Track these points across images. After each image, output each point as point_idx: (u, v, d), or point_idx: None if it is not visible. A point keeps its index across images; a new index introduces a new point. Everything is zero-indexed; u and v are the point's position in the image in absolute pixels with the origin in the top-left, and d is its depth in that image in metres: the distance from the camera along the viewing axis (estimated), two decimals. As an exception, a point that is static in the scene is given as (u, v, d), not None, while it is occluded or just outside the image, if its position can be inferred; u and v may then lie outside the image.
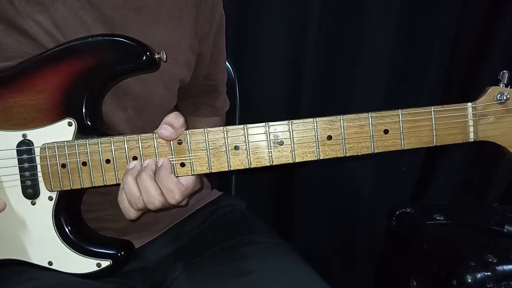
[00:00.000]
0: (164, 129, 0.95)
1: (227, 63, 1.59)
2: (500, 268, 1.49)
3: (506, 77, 0.91)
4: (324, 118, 0.93)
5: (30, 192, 1.04)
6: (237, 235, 1.25)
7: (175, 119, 0.97)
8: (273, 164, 0.95)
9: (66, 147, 1.00)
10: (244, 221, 1.36)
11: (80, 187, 1.01)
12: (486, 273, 1.47)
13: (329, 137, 0.93)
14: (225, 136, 0.95)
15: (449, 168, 2.24)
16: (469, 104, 0.93)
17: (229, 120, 1.53)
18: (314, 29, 1.90)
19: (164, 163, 0.96)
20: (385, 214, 1.93)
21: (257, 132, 0.94)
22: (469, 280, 1.47)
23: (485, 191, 2.25)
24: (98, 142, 0.99)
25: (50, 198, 1.04)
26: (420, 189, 2.28)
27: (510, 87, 0.91)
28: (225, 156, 0.95)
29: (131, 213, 1.00)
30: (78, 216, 1.11)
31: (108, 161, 0.99)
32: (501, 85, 0.92)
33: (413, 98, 2.08)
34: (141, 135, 0.97)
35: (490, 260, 1.51)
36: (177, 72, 1.24)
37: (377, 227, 2.13)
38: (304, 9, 1.87)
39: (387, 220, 1.92)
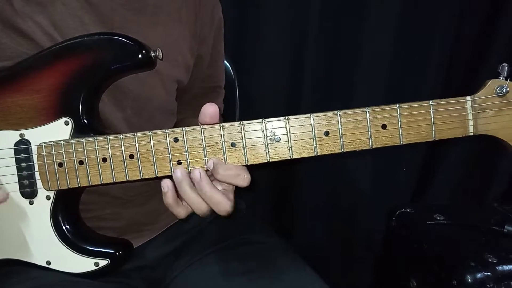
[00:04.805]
0: (211, 104, 0.95)
1: (227, 63, 1.59)
2: (500, 268, 1.49)
3: (506, 70, 0.90)
4: (321, 114, 0.92)
5: (28, 191, 1.04)
6: (237, 234, 1.26)
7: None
8: (270, 160, 0.94)
9: (62, 146, 1.00)
10: (244, 221, 1.37)
11: (77, 186, 1.01)
12: (486, 273, 1.48)
13: (326, 133, 0.92)
14: (222, 133, 0.94)
15: (449, 168, 2.23)
16: (468, 97, 0.92)
17: (229, 120, 1.52)
18: (314, 29, 1.91)
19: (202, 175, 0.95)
20: (385, 214, 1.94)
21: (253, 128, 0.93)
22: (469, 280, 1.47)
23: (485, 191, 2.25)
24: (94, 141, 0.98)
25: (48, 198, 1.04)
26: (420, 189, 2.28)
27: (510, 80, 0.90)
28: (222, 153, 0.94)
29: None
30: (76, 215, 1.11)
31: (104, 159, 0.98)
32: (501, 78, 0.91)
33: (413, 98, 2.08)
34: (137, 133, 0.96)
35: (490, 260, 1.52)
36: (175, 73, 1.25)
37: (377, 227, 2.13)
38: (304, 9, 1.87)
39: (387, 220, 1.92)
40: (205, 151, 0.95)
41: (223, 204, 0.94)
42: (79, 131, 1.02)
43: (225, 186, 0.97)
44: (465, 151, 2.22)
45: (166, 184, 0.95)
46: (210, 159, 0.94)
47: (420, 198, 2.28)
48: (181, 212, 0.98)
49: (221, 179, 0.94)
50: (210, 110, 0.94)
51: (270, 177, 2.17)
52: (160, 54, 1.03)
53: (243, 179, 0.94)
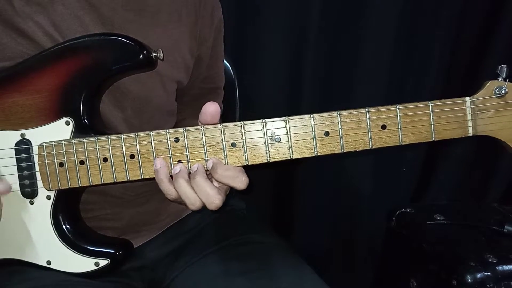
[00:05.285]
0: (212, 103, 0.95)
1: (227, 63, 1.59)
2: (500, 268, 1.50)
3: (505, 71, 0.90)
4: (321, 114, 0.92)
5: (28, 191, 1.04)
6: (237, 234, 1.26)
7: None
8: (271, 160, 0.95)
9: (63, 146, 1.00)
10: (244, 221, 1.37)
11: (77, 185, 1.01)
12: (486, 273, 1.48)
13: (326, 133, 0.92)
14: (222, 133, 0.94)
15: (449, 168, 2.23)
16: (467, 98, 0.92)
17: (229, 120, 1.52)
18: (314, 29, 1.90)
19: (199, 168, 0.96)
20: (385, 214, 1.94)
21: (254, 129, 0.94)
22: (469, 280, 1.47)
23: (485, 191, 2.24)
24: (95, 141, 0.98)
25: (48, 197, 1.04)
26: (420, 189, 2.28)
27: (508, 81, 0.91)
28: (222, 153, 0.95)
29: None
30: (77, 215, 1.11)
31: (105, 159, 0.98)
32: (500, 79, 0.91)
33: (413, 98, 2.08)
34: (138, 133, 0.97)
35: (490, 260, 1.52)
36: (175, 74, 1.25)
37: (377, 227, 2.13)
38: (304, 9, 1.87)
39: (387, 220, 1.92)
40: (205, 151, 0.95)
41: (213, 196, 0.94)
42: (80, 131, 1.02)
43: (221, 185, 0.98)
44: (465, 151, 2.22)
45: (159, 161, 0.96)
46: (210, 159, 0.95)
47: (420, 198, 2.28)
48: (171, 189, 0.97)
49: (219, 179, 0.94)
50: (212, 108, 0.94)
51: (270, 177, 2.17)
52: (161, 55, 1.04)
53: (241, 181, 0.95)
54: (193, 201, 0.95)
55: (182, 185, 0.94)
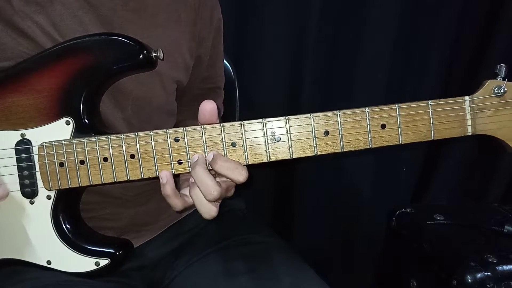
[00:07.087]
0: (208, 101, 0.95)
1: (227, 63, 1.59)
2: (500, 268, 1.49)
3: (504, 70, 0.91)
4: (321, 114, 0.92)
5: (29, 191, 1.04)
6: (236, 234, 1.25)
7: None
8: (271, 160, 0.95)
9: (64, 145, 1.00)
10: (244, 221, 1.37)
11: (78, 185, 1.01)
12: (486, 273, 1.47)
13: (326, 133, 0.92)
14: (222, 133, 0.94)
15: (449, 168, 2.23)
16: (467, 97, 0.92)
17: (229, 120, 1.52)
18: (314, 29, 1.91)
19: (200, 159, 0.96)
20: (385, 214, 1.93)
21: (254, 128, 0.94)
22: (469, 280, 1.47)
23: (485, 191, 2.25)
24: (95, 140, 0.98)
25: (49, 197, 1.04)
26: (420, 189, 2.28)
27: (507, 80, 0.91)
28: (223, 153, 0.95)
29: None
30: (77, 215, 1.11)
31: (105, 159, 0.98)
32: (499, 79, 0.91)
33: (412, 98, 2.08)
34: (138, 133, 0.96)
35: (490, 260, 1.51)
36: (175, 74, 1.25)
37: (377, 227, 2.13)
38: (304, 9, 1.87)
39: (387, 220, 1.92)
40: (205, 150, 0.95)
41: (211, 187, 0.92)
42: (80, 131, 1.02)
43: (223, 179, 0.97)
44: (465, 151, 2.22)
45: (164, 175, 0.95)
46: (210, 151, 0.94)
47: (420, 198, 2.28)
48: (178, 203, 0.97)
49: (219, 170, 0.93)
50: (209, 106, 0.94)
51: (270, 177, 2.17)
52: (161, 54, 1.04)
53: (240, 174, 0.93)
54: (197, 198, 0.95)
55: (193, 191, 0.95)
